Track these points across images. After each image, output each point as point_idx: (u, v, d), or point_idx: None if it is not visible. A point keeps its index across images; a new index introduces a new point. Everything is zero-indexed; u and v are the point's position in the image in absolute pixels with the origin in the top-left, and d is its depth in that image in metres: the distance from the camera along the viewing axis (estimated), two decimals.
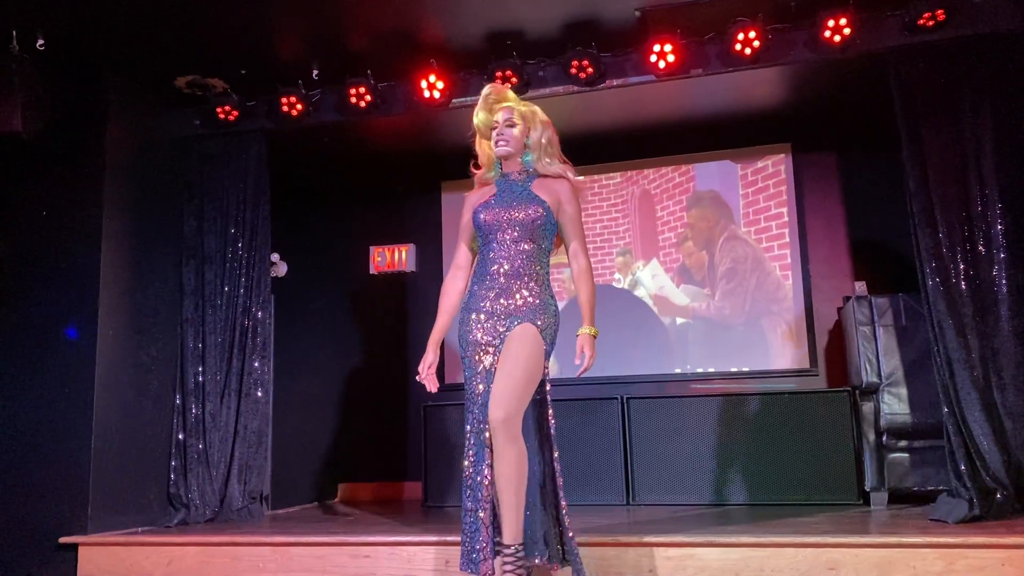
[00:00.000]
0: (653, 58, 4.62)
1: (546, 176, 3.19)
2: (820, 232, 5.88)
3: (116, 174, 4.79)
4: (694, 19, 4.51)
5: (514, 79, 4.76)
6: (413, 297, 6.43)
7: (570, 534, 3.10)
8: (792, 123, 5.80)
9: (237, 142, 5.28)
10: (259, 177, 5.27)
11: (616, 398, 5.33)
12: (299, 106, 5.03)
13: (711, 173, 6.14)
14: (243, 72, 4.98)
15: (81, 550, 4.29)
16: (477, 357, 3.05)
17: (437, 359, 3.16)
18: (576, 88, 4.86)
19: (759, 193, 6.02)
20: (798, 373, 5.74)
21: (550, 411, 3.10)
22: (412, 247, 6.44)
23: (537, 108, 3.25)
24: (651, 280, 6.16)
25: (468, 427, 3.04)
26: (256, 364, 5.12)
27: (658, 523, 4.24)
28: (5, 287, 4.73)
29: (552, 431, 3.10)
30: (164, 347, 5.05)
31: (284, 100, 5.01)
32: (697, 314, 6.04)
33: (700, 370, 5.95)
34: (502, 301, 3.03)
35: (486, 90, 3.21)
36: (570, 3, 4.40)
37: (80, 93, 4.75)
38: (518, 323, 2.99)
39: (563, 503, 3.10)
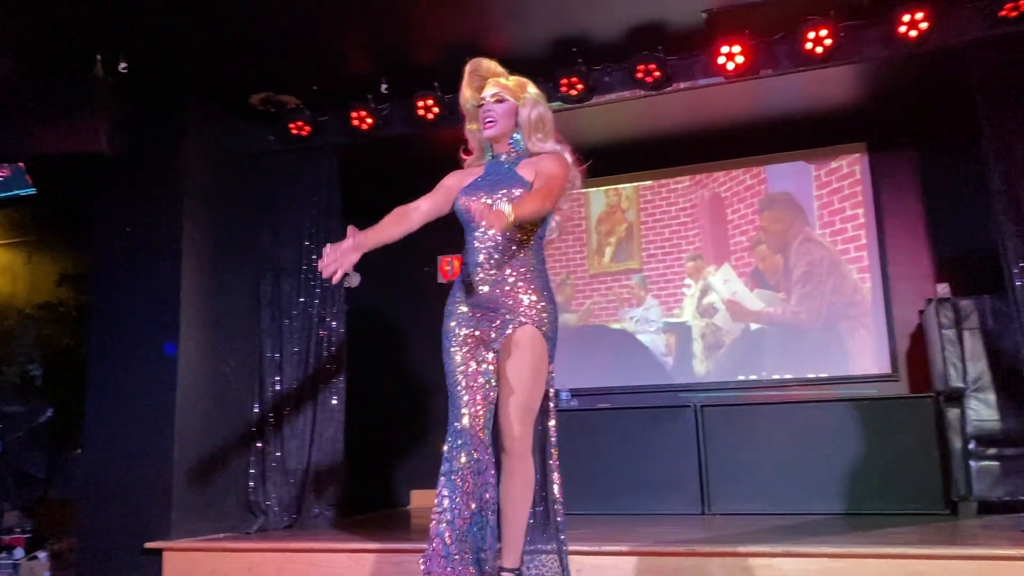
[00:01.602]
0: (721, 60, 4.56)
1: (537, 155, 2.89)
2: (899, 233, 5.70)
3: (194, 190, 4.95)
4: (763, 19, 4.43)
5: (580, 85, 4.75)
6: None
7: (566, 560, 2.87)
8: (867, 121, 5.64)
9: (310, 157, 5.40)
10: (331, 190, 5.37)
11: (690, 406, 5.25)
12: (369, 120, 5.12)
13: (784, 174, 6.02)
14: (315, 88, 5.09)
15: (165, 555, 4.42)
16: (466, 351, 2.78)
17: (358, 249, 2.62)
18: (642, 92, 4.83)
19: (834, 194, 5.87)
20: (879, 379, 5.56)
21: (552, 422, 2.91)
22: None
23: (528, 82, 2.95)
24: (723, 285, 6.06)
25: (457, 424, 2.73)
26: (331, 373, 5.21)
27: (734, 533, 4.15)
28: (92, 301, 4.92)
29: (554, 441, 2.88)
30: (242, 357, 5.18)
31: (354, 114, 5.10)
32: (772, 319, 5.92)
33: (776, 376, 5.82)
34: (494, 293, 2.79)
35: (470, 65, 2.91)
36: (636, 8, 4.38)
37: (159, 112, 4.92)
38: (517, 325, 2.76)
39: (560, 518, 2.88)
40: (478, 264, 2.83)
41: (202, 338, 4.88)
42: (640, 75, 4.69)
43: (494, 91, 2.86)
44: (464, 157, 3.06)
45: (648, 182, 6.35)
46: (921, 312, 5.33)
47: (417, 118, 5.04)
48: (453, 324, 2.83)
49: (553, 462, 2.90)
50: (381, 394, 6.39)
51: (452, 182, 2.99)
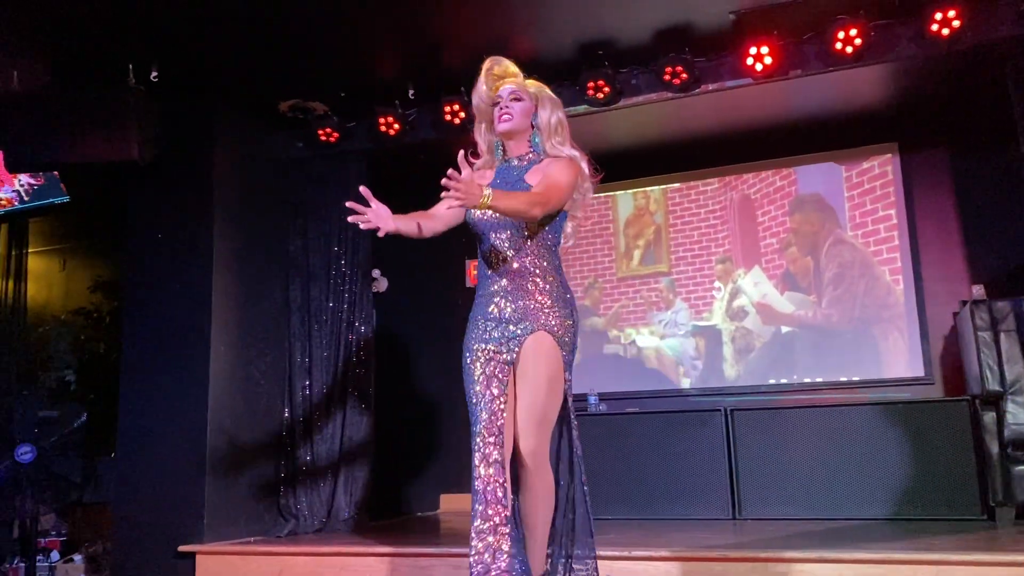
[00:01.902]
0: (749, 61, 4.53)
1: (551, 158, 2.80)
2: (932, 234, 5.62)
3: (225, 196, 5.00)
4: (791, 19, 4.40)
5: (606, 88, 4.74)
6: None
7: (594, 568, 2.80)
8: (899, 121, 5.57)
9: (338, 162, 5.44)
10: (359, 196, 5.39)
11: (719, 410, 5.20)
12: (396, 125, 5.14)
13: (814, 176, 5.96)
14: (342, 95, 5.13)
15: (198, 558, 4.46)
16: (480, 365, 2.72)
17: (394, 221, 2.74)
18: (670, 95, 4.81)
19: (865, 195, 5.80)
20: (913, 382, 5.49)
21: (575, 432, 2.80)
22: None
23: (545, 86, 2.88)
24: (753, 288, 6.01)
25: (475, 440, 2.68)
26: (360, 377, 5.24)
27: (766, 538, 4.11)
28: (125, 307, 4.98)
29: (578, 451, 2.80)
30: (273, 361, 5.22)
31: (382, 120, 5.13)
32: (803, 322, 5.86)
33: (808, 380, 5.76)
34: (509, 303, 2.71)
35: (487, 63, 2.81)
36: (662, 10, 4.36)
37: (190, 120, 4.98)
38: (530, 332, 2.67)
39: (592, 530, 2.81)
40: (491, 273, 2.77)
41: (233, 343, 4.92)
42: (667, 77, 4.67)
43: (512, 88, 2.78)
44: (472, 160, 2.81)
45: (676, 184, 6.32)
46: (955, 314, 5.24)
47: (444, 123, 5.05)
48: (471, 337, 2.77)
49: (579, 472, 2.82)
50: (410, 398, 6.40)
51: None
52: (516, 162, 2.84)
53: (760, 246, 6.05)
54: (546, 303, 2.69)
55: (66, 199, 5.76)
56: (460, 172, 2.42)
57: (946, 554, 3.27)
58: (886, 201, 5.73)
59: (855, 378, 5.65)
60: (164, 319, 4.83)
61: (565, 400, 2.74)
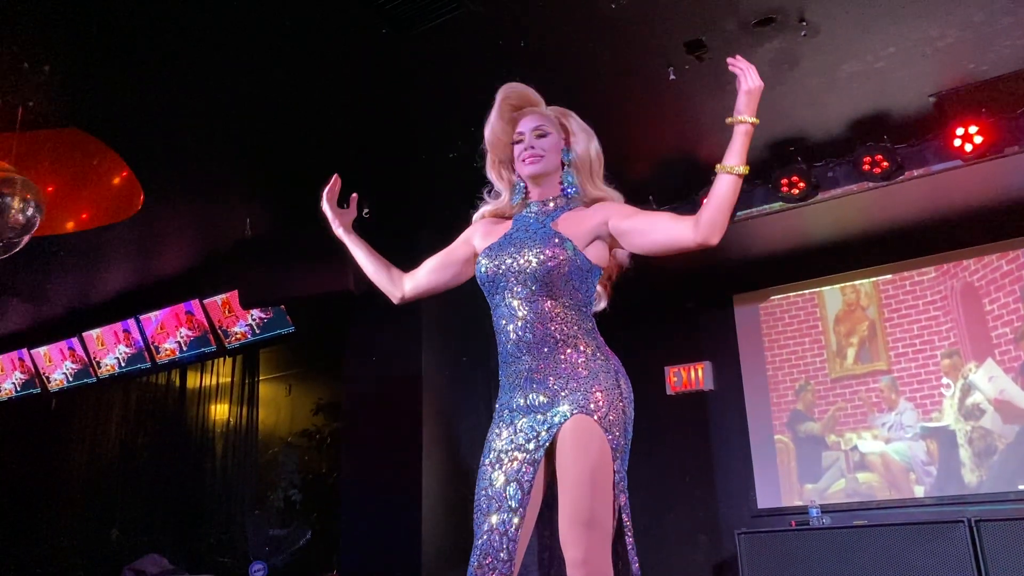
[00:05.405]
0: (957, 142, 4.29)
1: (586, 205, 2.27)
2: None
3: (431, 318, 5.26)
4: (999, 95, 4.14)
5: (801, 184, 4.63)
6: (713, 416, 6.21)
7: None
8: None
9: None
10: None
11: (962, 521, 4.68)
12: None
13: None
14: None
15: None
16: (498, 466, 2.15)
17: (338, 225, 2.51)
18: (871, 184, 4.62)
19: None
20: None
21: (629, 547, 2.19)
22: (708, 365, 6.28)
23: (569, 111, 2.35)
24: (988, 383, 5.45)
25: (473, 562, 2.10)
26: None
27: None
28: (343, 428, 5.28)
29: (635, 571, 2.16)
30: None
31: None
32: None
33: None
34: (538, 386, 2.13)
35: (503, 92, 2.31)
36: (855, 101, 4.25)
37: (397, 251, 5.29)
38: (565, 417, 2.07)
39: None
40: (510, 348, 2.21)
41: (442, 459, 5.06)
42: (867, 167, 4.50)
43: (538, 123, 2.28)
44: (486, 201, 2.52)
45: (888, 276, 5.95)
46: None
47: None
48: (494, 433, 2.23)
49: None
50: None
51: (477, 240, 2.44)
52: (538, 207, 2.30)
53: (991, 337, 5.51)
54: (582, 375, 2.12)
55: (291, 329, 6.26)
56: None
57: None
58: None
59: None
60: (379, 438, 5.06)
61: (615, 503, 2.15)
